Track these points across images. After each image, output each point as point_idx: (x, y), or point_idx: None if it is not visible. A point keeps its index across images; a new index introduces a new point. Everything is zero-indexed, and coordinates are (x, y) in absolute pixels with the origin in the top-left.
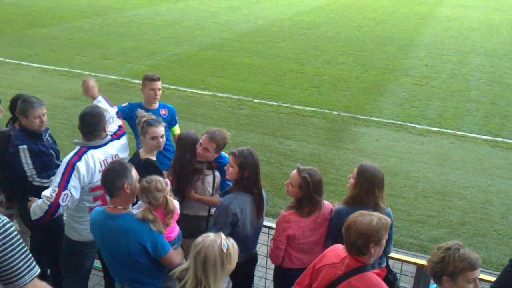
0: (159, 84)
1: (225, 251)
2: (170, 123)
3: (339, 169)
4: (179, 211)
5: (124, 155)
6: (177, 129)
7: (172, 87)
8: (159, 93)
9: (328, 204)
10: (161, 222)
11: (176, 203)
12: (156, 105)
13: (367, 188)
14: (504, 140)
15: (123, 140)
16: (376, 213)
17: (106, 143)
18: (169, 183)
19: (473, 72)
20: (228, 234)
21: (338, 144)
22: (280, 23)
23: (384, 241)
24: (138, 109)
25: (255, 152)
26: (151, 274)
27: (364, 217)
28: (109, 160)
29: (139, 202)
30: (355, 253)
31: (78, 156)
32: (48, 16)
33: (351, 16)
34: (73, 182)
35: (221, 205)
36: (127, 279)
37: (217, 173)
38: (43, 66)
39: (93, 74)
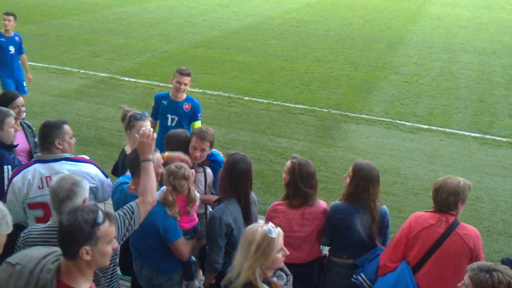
0: (186, 79)
1: (273, 237)
2: (192, 118)
3: (329, 166)
4: (198, 203)
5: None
6: (198, 125)
7: (162, 84)
8: (184, 87)
9: (322, 203)
10: (180, 209)
11: (197, 194)
12: (181, 98)
13: (363, 185)
14: (493, 137)
15: (91, 168)
16: (459, 177)
17: (57, 160)
18: (194, 173)
19: (462, 70)
20: (225, 245)
21: (328, 142)
22: (270, 20)
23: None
24: (163, 101)
25: (248, 159)
26: (158, 256)
27: (452, 179)
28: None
29: (162, 188)
30: (446, 210)
31: (23, 167)
32: (37, 13)
33: (341, 14)
34: (9, 195)
35: (213, 217)
36: (140, 254)
37: (208, 170)
38: (32, 63)
39: (82, 71)
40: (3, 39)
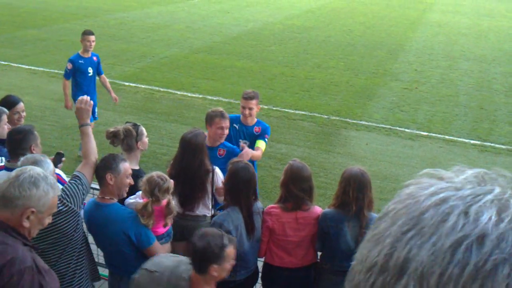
0: (250, 103)
1: None
2: (257, 138)
3: (329, 172)
4: (175, 212)
5: None
6: (260, 143)
7: (162, 89)
8: (249, 111)
9: (317, 209)
10: (156, 219)
11: (174, 202)
12: (251, 122)
13: (352, 193)
14: (492, 144)
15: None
16: None
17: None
18: (173, 183)
19: (462, 77)
20: None
21: (328, 148)
22: (271, 26)
23: None
24: (234, 124)
25: (251, 168)
26: (137, 264)
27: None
28: None
29: (138, 193)
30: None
31: None
32: (38, 18)
33: (341, 21)
34: None
35: (214, 224)
36: (115, 266)
37: (217, 171)
38: (33, 67)
39: None
40: (81, 61)
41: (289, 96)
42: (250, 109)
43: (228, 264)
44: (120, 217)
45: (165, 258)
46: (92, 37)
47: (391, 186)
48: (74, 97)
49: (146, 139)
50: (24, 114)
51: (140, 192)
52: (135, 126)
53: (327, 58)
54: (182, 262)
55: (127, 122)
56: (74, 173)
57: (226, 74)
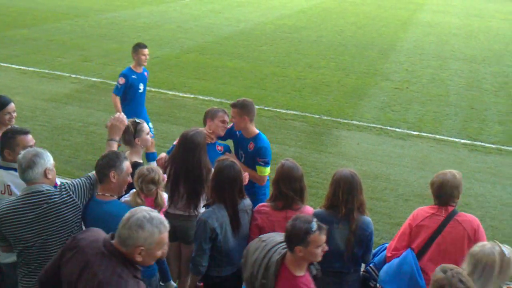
0: (232, 112)
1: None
2: (254, 159)
3: (320, 172)
4: (167, 204)
5: (18, 193)
6: (260, 170)
7: (153, 89)
8: (233, 119)
9: (308, 209)
10: None
11: (165, 197)
12: (248, 134)
13: (342, 194)
14: (482, 144)
15: None
16: (449, 170)
17: (8, 168)
18: (165, 178)
19: (452, 77)
20: (210, 249)
21: (319, 148)
22: (262, 26)
23: None
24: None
25: (237, 167)
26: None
27: (448, 174)
28: None
29: (131, 191)
30: (451, 203)
31: None
32: (28, 17)
33: (332, 21)
34: None
35: (199, 220)
36: None
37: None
38: (23, 67)
39: (74, 76)
40: (134, 76)
41: (281, 96)
42: (232, 117)
43: (316, 249)
44: (122, 212)
45: (278, 234)
46: (147, 50)
47: (382, 186)
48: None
49: (147, 137)
50: (15, 114)
51: (133, 190)
52: (135, 123)
53: (318, 58)
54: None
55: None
56: (89, 174)
57: (217, 74)
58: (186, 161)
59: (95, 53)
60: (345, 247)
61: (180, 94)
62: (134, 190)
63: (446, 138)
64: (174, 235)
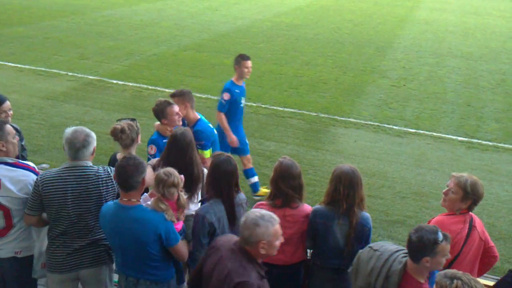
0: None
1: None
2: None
3: (318, 170)
4: (187, 206)
5: (11, 187)
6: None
7: (150, 87)
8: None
9: (306, 207)
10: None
11: (186, 197)
12: (188, 122)
13: (342, 190)
14: (479, 141)
15: (31, 176)
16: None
17: None
18: (183, 179)
19: (449, 74)
20: (207, 244)
21: (317, 145)
22: (260, 24)
23: None
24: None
25: (233, 161)
26: (158, 265)
27: (473, 176)
28: None
29: (143, 196)
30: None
31: None
32: (24, 15)
33: (329, 18)
34: None
35: (197, 215)
36: (134, 269)
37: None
38: (19, 65)
39: (70, 73)
40: (237, 90)
41: (278, 94)
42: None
43: (442, 258)
44: (150, 217)
45: (387, 243)
46: (251, 62)
47: (379, 183)
48: (222, 131)
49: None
50: (11, 112)
51: (145, 195)
52: (133, 120)
53: (315, 55)
54: (401, 249)
55: (119, 120)
56: (107, 168)
57: (214, 72)
58: (178, 161)
59: (91, 51)
60: (345, 242)
61: None
62: (146, 198)
63: (443, 135)
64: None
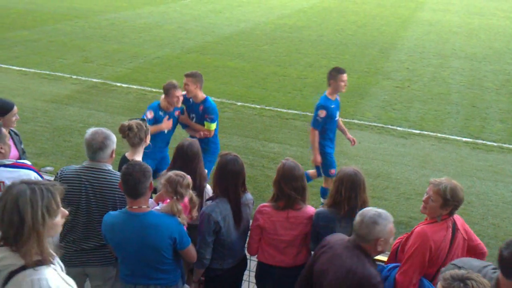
0: (185, 80)
1: None
2: (203, 118)
3: None
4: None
5: None
6: (206, 125)
7: (154, 90)
8: (185, 87)
9: (310, 209)
10: (185, 215)
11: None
12: (196, 100)
13: (345, 192)
14: (484, 142)
15: (31, 174)
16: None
17: None
18: (191, 179)
19: (454, 75)
20: (213, 242)
21: None
22: (263, 26)
23: None
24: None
25: (240, 160)
26: (168, 269)
27: (450, 180)
28: None
29: (150, 200)
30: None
31: None
32: (28, 19)
33: (333, 20)
34: None
35: (203, 214)
36: (144, 276)
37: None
38: (23, 69)
39: (74, 77)
40: (333, 106)
41: (282, 96)
42: (186, 85)
43: None
44: (164, 222)
45: (471, 259)
46: (346, 76)
47: (383, 185)
48: (322, 148)
49: (149, 135)
50: (18, 117)
51: (151, 201)
52: (144, 121)
53: (319, 57)
54: (489, 265)
55: (130, 119)
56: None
57: (218, 74)
58: (183, 171)
59: (95, 54)
60: None
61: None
62: (153, 203)
63: (447, 136)
64: None
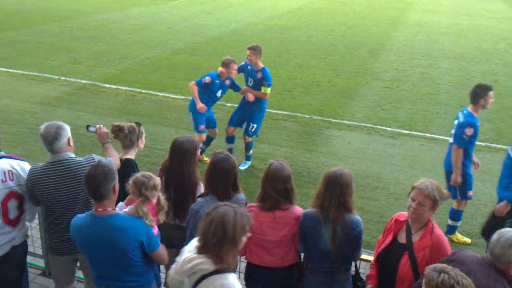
0: (248, 52)
1: None
2: (260, 83)
3: (311, 172)
4: (166, 207)
5: (22, 175)
6: (263, 89)
7: (144, 91)
8: (248, 58)
9: (297, 209)
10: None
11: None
12: (256, 67)
13: (331, 193)
14: None
15: (26, 165)
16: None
17: None
18: (160, 180)
19: (442, 75)
20: None
21: (310, 148)
22: (253, 27)
23: None
24: (248, 66)
25: (231, 160)
26: (139, 271)
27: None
28: None
29: (119, 204)
30: None
31: None
32: (17, 20)
33: (322, 21)
34: None
35: (191, 210)
36: (115, 279)
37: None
38: (11, 70)
39: (63, 78)
40: (477, 124)
41: (272, 96)
42: (249, 56)
43: None
44: (130, 224)
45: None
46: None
47: (373, 185)
48: (464, 169)
49: (144, 139)
50: None
51: (121, 203)
52: (138, 124)
53: (308, 58)
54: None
55: (128, 122)
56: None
57: None
58: (176, 168)
59: (84, 55)
60: (334, 247)
61: (171, 96)
62: (122, 206)
63: (436, 136)
64: (171, 242)
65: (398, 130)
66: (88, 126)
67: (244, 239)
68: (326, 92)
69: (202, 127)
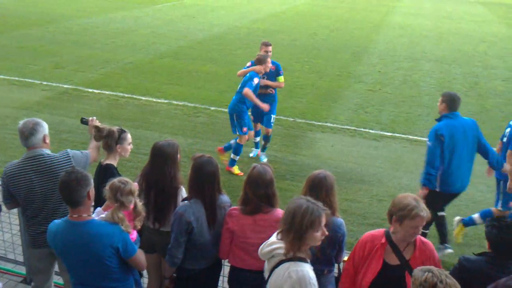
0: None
1: None
2: (277, 75)
3: (295, 175)
4: (144, 213)
5: None
6: (279, 79)
7: (127, 95)
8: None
9: (278, 212)
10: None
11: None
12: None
13: (311, 195)
14: None
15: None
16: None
17: None
18: (137, 186)
19: (424, 78)
20: (185, 242)
21: (294, 150)
22: (236, 30)
23: None
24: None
25: (214, 161)
26: (118, 277)
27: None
28: None
29: (97, 210)
30: None
31: None
32: None
33: (306, 24)
34: None
35: (175, 214)
36: (93, 286)
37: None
38: None
39: (45, 83)
40: None
41: None
42: (270, 51)
43: None
44: (106, 231)
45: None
46: None
47: (356, 187)
48: None
49: (128, 146)
50: None
51: (99, 209)
52: (120, 130)
53: (292, 61)
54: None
55: (114, 127)
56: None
57: (191, 79)
58: (157, 172)
59: (67, 60)
60: (317, 249)
61: (154, 100)
62: (100, 212)
63: (419, 138)
64: (152, 247)
65: (381, 133)
66: (82, 119)
67: (316, 235)
68: (310, 95)
69: (245, 129)
